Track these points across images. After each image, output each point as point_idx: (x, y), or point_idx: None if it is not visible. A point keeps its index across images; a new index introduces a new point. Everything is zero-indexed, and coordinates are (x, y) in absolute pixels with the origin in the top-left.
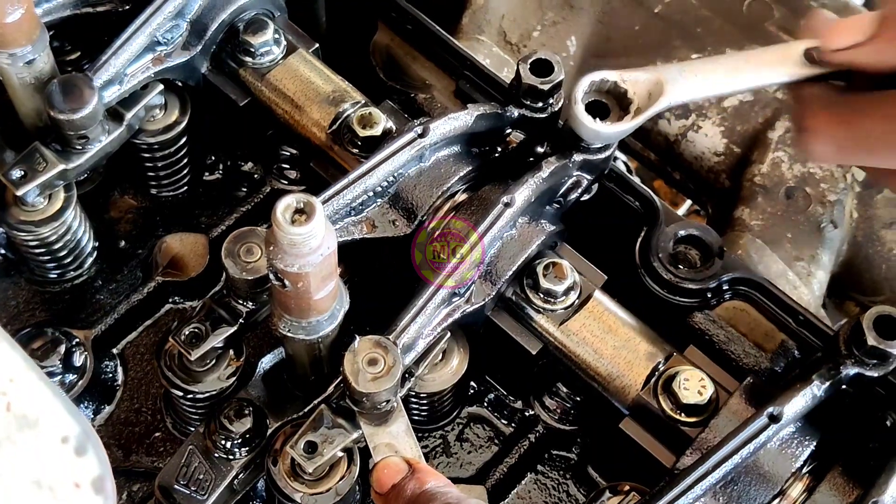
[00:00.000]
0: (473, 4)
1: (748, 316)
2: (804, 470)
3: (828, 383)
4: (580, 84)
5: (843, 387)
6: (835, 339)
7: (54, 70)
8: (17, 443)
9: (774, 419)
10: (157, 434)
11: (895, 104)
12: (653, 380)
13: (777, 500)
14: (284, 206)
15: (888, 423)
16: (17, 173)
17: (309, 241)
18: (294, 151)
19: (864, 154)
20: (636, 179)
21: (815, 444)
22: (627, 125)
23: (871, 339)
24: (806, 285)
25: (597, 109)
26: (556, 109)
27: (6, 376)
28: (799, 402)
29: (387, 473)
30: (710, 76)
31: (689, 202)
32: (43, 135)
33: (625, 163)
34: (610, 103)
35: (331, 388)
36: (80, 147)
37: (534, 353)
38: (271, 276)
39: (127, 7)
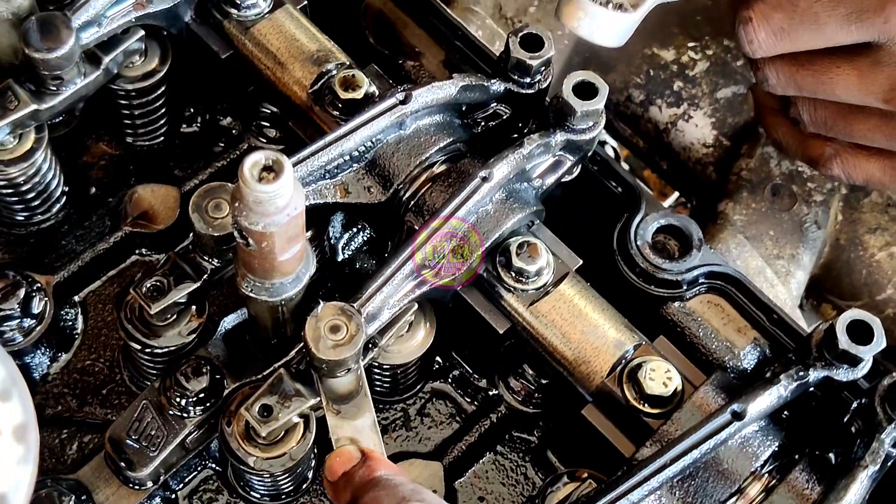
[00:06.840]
0: None
1: (722, 311)
2: (764, 469)
3: (795, 384)
4: None
5: (811, 389)
6: (807, 340)
7: (33, 6)
8: None
9: (738, 416)
10: (112, 386)
11: None
12: (619, 368)
13: (734, 498)
14: (252, 163)
15: (853, 429)
16: None
17: (275, 200)
18: (274, 109)
19: (810, 31)
20: (624, 166)
21: (777, 444)
22: (640, 11)
23: (844, 343)
24: (784, 284)
25: (583, 90)
26: (544, 87)
27: None
28: (764, 401)
29: (339, 461)
30: None
31: (676, 194)
32: (18, 73)
33: (614, 149)
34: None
35: (292, 353)
36: (54, 88)
37: (501, 332)
38: (235, 234)
39: None
